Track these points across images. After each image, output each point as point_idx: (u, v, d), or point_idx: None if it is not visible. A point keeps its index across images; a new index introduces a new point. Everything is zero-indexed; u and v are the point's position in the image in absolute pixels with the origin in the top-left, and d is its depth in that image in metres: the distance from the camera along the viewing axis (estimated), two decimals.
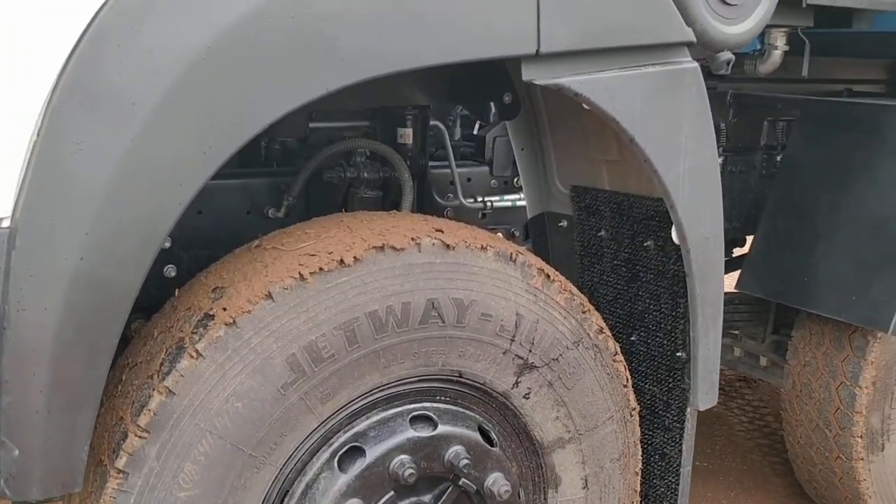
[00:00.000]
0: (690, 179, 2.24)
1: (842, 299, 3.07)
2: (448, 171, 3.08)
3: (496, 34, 1.88)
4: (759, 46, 3.18)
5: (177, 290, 2.02)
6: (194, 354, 1.75)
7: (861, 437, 3.08)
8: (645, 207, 2.53)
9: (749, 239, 3.86)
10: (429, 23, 1.79)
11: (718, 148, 3.66)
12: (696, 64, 2.24)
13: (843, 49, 3.53)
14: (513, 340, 2.10)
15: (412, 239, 1.98)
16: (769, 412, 4.76)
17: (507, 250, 2.11)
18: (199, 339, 1.76)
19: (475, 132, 3.58)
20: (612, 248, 2.71)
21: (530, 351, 2.14)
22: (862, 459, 3.11)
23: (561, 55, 1.98)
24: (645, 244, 2.56)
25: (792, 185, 3.39)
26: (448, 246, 2.02)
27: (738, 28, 2.43)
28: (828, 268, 3.13)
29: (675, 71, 2.18)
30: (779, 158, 3.79)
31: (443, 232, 2.06)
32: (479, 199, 3.14)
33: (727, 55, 2.42)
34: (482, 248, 2.07)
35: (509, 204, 3.17)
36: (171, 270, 2.38)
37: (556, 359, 2.18)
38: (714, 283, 2.38)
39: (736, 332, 3.98)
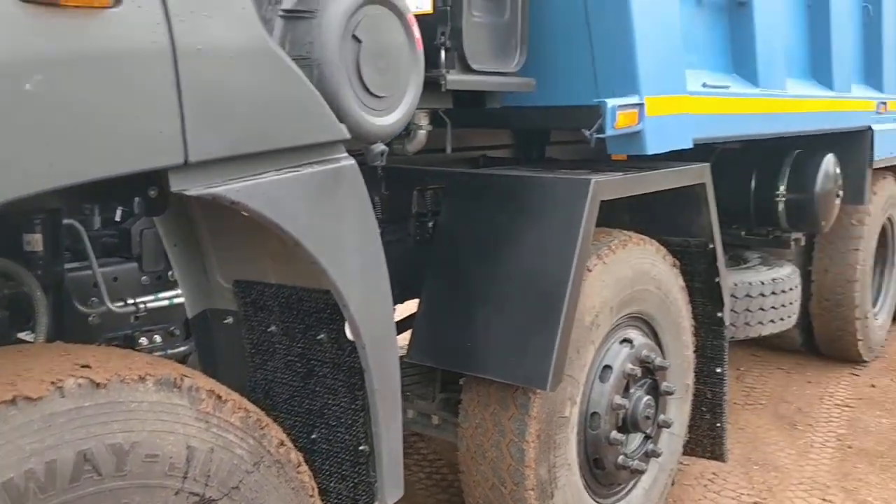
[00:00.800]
0: (360, 276, 2.19)
1: (502, 361, 3.24)
2: (90, 272, 2.74)
3: (137, 147, 1.67)
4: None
5: None
6: None
7: (533, 489, 3.26)
8: (315, 300, 2.44)
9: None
10: (61, 142, 1.54)
11: None
12: (353, 160, 2.21)
13: (478, 121, 3.78)
14: (185, 478, 1.88)
15: (52, 383, 1.69)
16: (444, 464, 4.91)
17: (169, 376, 1.89)
18: None
19: (117, 219, 3.25)
20: (285, 343, 2.58)
21: (206, 484, 1.93)
22: None
23: (213, 162, 1.82)
24: (318, 338, 2.47)
25: (447, 253, 3.53)
26: (98, 384, 1.75)
27: (389, 119, 2.46)
28: (487, 332, 3.29)
29: (334, 169, 2.13)
30: (430, 225, 3.95)
31: (90, 367, 1.78)
32: (130, 301, 2.83)
33: (380, 146, 2.43)
34: (140, 378, 1.83)
35: (166, 303, 2.90)
36: None
37: (237, 486, 2.00)
38: (391, 376, 2.36)
39: (408, 393, 4.05)
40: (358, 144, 2.42)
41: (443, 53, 2.90)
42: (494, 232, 3.41)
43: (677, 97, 3.63)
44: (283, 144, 1.97)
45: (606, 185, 3.34)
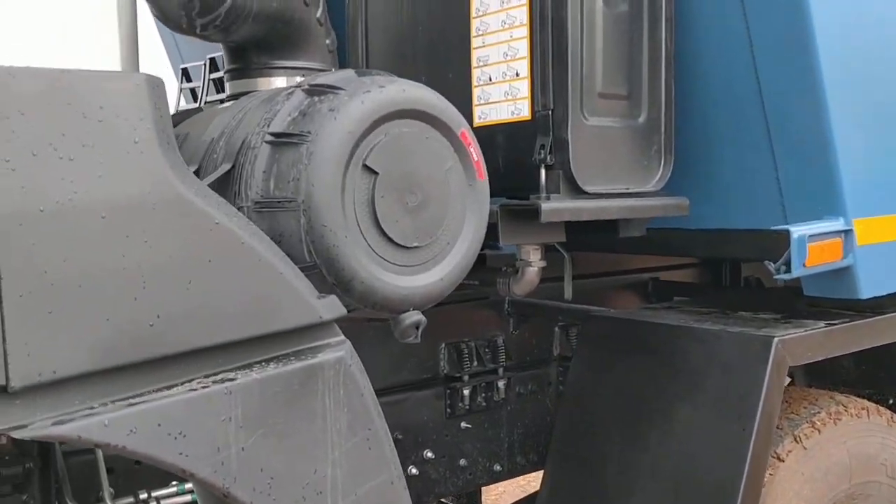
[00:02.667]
0: None
1: None
2: None
3: None
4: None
5: None
6: None
7: None
8: None
9: None
10: None
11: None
12: (340, 352, 1.48)
13: (625, 246, 2.94)
14: None
15: None
16: None
17: None
18: None
19: None
20: None
21: None
22: None
23: (57, 384, 1.18)
24: None
25: (576, 418, 2.68)
26: None
27: (427, 277, 1.72)
28: None
29: (297, 371, 1.42)
30: None
31: None
32: None
33: (415, 316, 1.70)
34: None
35: None
36: None
37: None
38: None
39: None
40: (382, 314, 1.71)
41: (542, 173, 2.13)
42: (637, 399, 2.52)
43: None
44: (191, 345, 1.29)
45: (799, 344, 2.35)
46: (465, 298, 2.95)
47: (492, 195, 2.16)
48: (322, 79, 1.75)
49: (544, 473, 2.69)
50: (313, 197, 1.52)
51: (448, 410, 2.89)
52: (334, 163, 1.54)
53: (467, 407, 2.90)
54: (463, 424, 2.94)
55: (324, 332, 1.45)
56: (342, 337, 1.49)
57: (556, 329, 3.22)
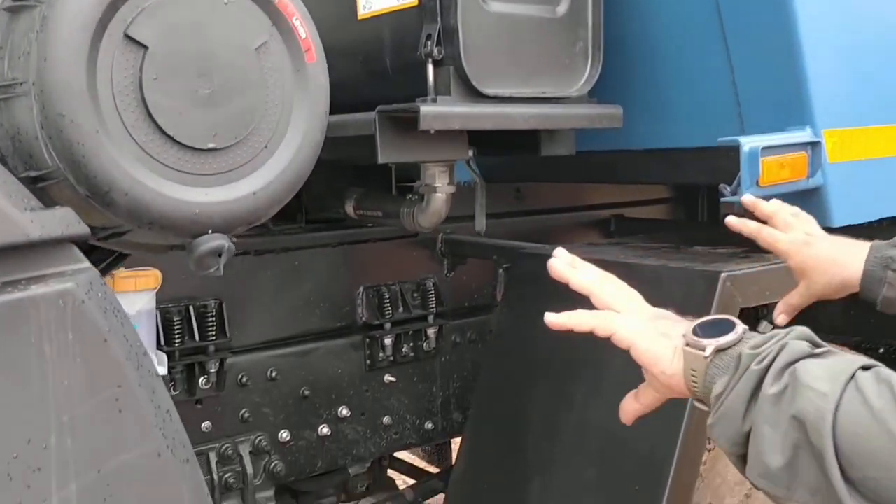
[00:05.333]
0: None
1: None
2: None
3: None
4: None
5: None
6: None
7: None
8: None
9: None
10: None
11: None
12: (62, 286, 1.09)
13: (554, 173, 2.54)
14: None
15: None
16: None
17: None
18: None
19: None
20: None
21: None
22: None
23: None
24: None
25: (498, 375, 2.31)
26: None
27: (229, 192, 1.31)
28: None
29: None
30: None
31: None
32: None
33: (215, 241, 1.30)
34: None
35: None
36: None
37: None
38: None
39: None
40: (177, 239, 1.32)
41: (430, 70, 1.72)
42: (566, 350, 2.13)
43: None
44: None
45: (753, 281, 1.94)
46: (390, 236, 2.58)
47: (384, 103, 1.76)
48: None
49: (461, 439, 2.32)
50: (45, 77, 1.14)
51: (367, 363, 2.52)
52: (77, 29, 1.15)
53: (391, 358, 2.54)
54: (387, 378, 2.57)
55: (41, 257, 1.07)
56: (82, 265, 1.11)
57: (501, 272, 2.82)
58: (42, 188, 1.18)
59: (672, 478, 1.85)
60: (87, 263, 1.13)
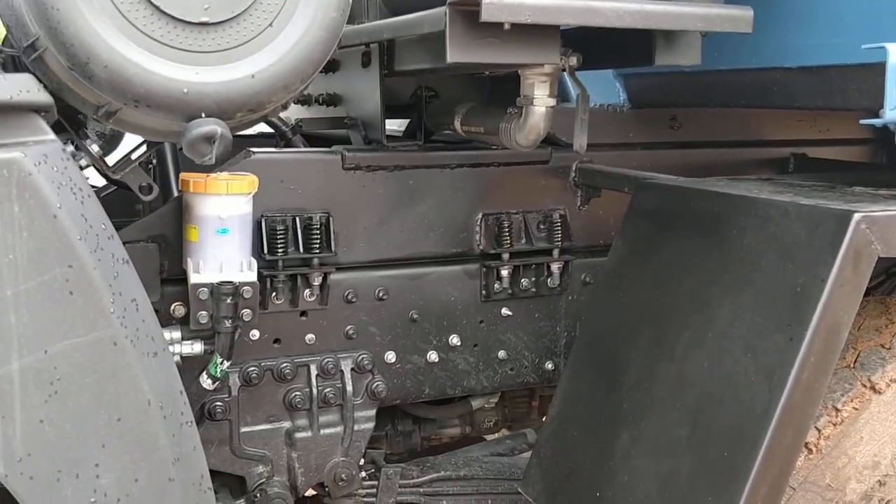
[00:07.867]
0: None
1: None
2: None
3: None
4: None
5: None
6: None
7: None
8: None
9: None
10: None
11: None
12: (7, 155, 1.07)
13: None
14: None
15: None
16: None
17: None
18: None
19: None
20: None
21: None
22: None
23: None
24: None
25: (603, 317, 2.09)
26: None
27: (224, 73, 1.23)
28: (636, 476, 1.81)
29: None
30: None
31: None
32: None
33: (207, 126, 1.23)
34: None
35: None
36: None
37: None
38: None
39: None
40: (175, 121, 1.26)
41: None
42: (674, 293, 1.88)
43: None
44: None
45: (893, 225, 1.57)
46: (517, 161, 2.40)
47: None
48: None
49: (559, 384, 2.13)
50: None
51: (483, 293, 2.39)
52: None
53: (509, 291, 2.39)
54: (504, 311, 2.43)
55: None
56: (45, 136, 1.07)
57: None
58: (35, 60, 1.16)
59: (766, 447, 1.56)
60: (51, 136, 1.10)
